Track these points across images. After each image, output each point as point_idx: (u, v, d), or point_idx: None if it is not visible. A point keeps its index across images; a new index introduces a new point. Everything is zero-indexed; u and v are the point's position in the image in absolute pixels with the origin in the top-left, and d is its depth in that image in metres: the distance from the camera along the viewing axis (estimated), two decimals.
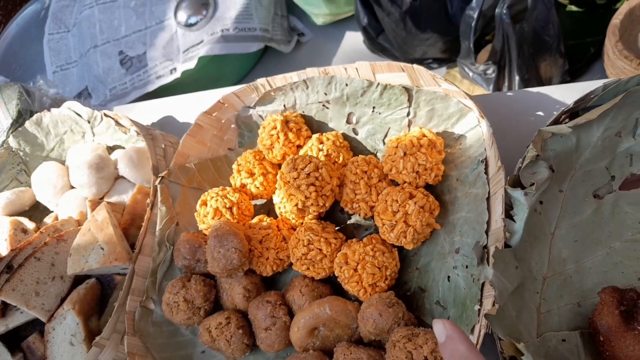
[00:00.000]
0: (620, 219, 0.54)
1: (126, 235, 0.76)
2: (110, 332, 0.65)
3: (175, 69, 1.31)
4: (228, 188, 0.70)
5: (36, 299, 0.71)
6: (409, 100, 0.65)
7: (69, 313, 0.70)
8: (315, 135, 0.69)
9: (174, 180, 0.74)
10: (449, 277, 0.56)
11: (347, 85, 0.68)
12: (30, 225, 0.83)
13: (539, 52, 0.99)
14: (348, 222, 0.69)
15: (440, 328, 0.37)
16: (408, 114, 0.65)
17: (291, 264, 0.65)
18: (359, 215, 0.64)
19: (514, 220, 0.51)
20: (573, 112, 0.56)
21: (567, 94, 0.66)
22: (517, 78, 1.01)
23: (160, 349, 0.67)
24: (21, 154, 0.92)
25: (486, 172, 0.56)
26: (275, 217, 0.70)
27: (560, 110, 0.56)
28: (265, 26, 1.31)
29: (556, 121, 0.55)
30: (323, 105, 0.71)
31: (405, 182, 0.60)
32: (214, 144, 0.78)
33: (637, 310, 0.49)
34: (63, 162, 0.89)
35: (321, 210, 0.63)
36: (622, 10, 0.95)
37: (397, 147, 0.60)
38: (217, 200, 0.68)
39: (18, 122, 0.94)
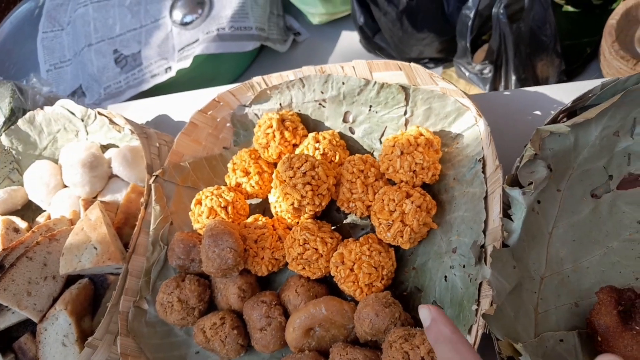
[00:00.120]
0: (617, 218, 0.54)
1: (120, 234, 0.75)
2: (103, 332, 0.65)
3: (170, 67, 1.30)
4: (223, 187, 0.70)
5: (28, 299, 0.70)
6: (406, 99, 0.64)
7: (61, 313, 0.69)
8: (311, 134, 0.68)
9: (169, 179, 0.73)
10: (445, 276, 0.56)
11: (343, 83, 0.67)
12: (22, 224, 0.82)
13: (536, 52, 0.98)
14: (344, 221, 0.68)
15: (425, 313, 0.38)
16: (405, 113, 0.65)
17: (287, 263, 0.65)
18: (356, 214, 0.63)
19: (511, 220, 0.51)
20: (571, 111, 0.56)
21: (565, 93, 0.66)
22: (513, 78, 1.01)
23: (154, 349, 0.66)
24: (14, 152, 0.91)
25: (483, 172, 0.56)
26: (271, 216, 0.69)
27: (557, 109, 0.55)
28: (261, 25, 1.30)
29: (554, 120, 0.55)
30: (319, 104, 0.71)
31: (402, 181, 0.60)
32: (209, 143, 0.77)
33: (635, 310, 0.48)
34: (56, 161, 0.88)
35: (317, 210, 0.63)
36: (618, 11, 0.95)
37: (394, 146, 0.60)
38: (211, 199, 0.67)
39: (11, 120, 0.92)
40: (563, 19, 1.07)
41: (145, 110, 0.95)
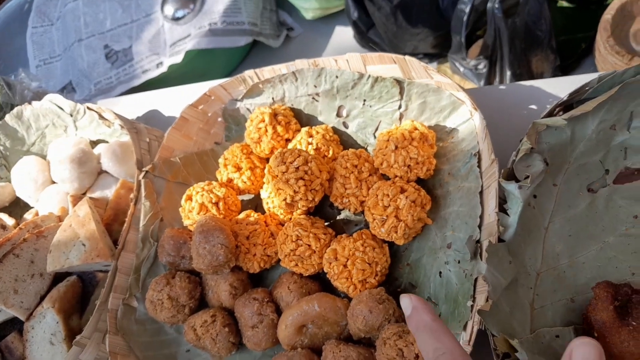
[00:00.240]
0: (614, 213, 0.53)
1: (109, 231, 0.73)
2: (92, 330, 0.63)
3: (161, 63, 1.29)
4: (214, 183, 0.69)
5: (14, 297, 0.69)
6: (401, 92, 0.63)
7: (48, 311, 0.68)
8: (304, 129, 0.67)
9: (159, 174, 0.72)
10: (440, 272, 0.55)
11: (337, 77, 0.66)
12: (9, 221, 0.81)
13: (531, 47, 0.98)
14: (338, 217, 0.67)
15: (406, 302, 0.38)
16: (399, 107, 0.64)
17: (279, 260, 0.64)
18: (349, 210, 0.62)
19: (507, 214, 0.50)
20: (567, 104, 0.55)
21: (560, 87, 0.65)
22: (508, 73, 1.00)
23: (143, 347, 0.65)
24: (1, 148, 0.89)
25: (479, 166, 0.55)
26: (263, 212, 0.68)
27: (553, 103, 0.55)
28: (253, 20, 1.29)
29: (550, 113, 0.54)
30: (313, 98, 0.70)
31: (396, 176, 0.59)
32: (200, 138, 0.76)
33: (631, 306, 0.48)
34: (44, 157, 0.87)
35: (310, 205, 0.62)
36: (613, 6, 0.95)
37: (388, 140, 0.59)
38: (202, 195, 0.66)
39: None
40: (558, 14, 1.06)
41: (136, 105, 0.94)
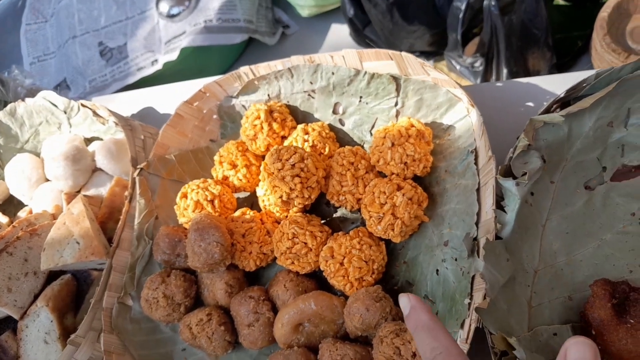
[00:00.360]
0: (611, 210, 0.53)
1: (104, 229, 0.73)
2: (86, 329, 0.63)
3: (156, 60, 1.28)
4: (209, 180, 0.68)
5: (8, 296, 0.68)
6: (397, 89, 0.63)
7: (42, 310, 0.67)
8: (300, 126, 0.67)
9: (154, 172, 0.71)
10: (437, 270, 0.54)
11: (333, 73, 0.66)
12: (3, 219, 0.80)
13: (527, 45, 0.98)
14: (334, 215, 0.67)
15: (404, 301, 0.38)
16: (396, 104, 0.64)
17: (275, 258, 0.63)
18: (346, 208, 0.62)
19: (505, 212, 0.50)
20: (564, 101, 0.55)
21: (557, 84, 0.65)
22: (505, 71, 1.00)
23: (138, 346, 0.65)
24: None
25: (476, 163, 0.55)
26: (259, 210, 0.67)
27: (550, 100, 0.54)
28: (249, 17, 1.29)
29: (547, 110, 0.54)
30: (309, 95, 0.69)
31: (392, 173, 0.59)
32: (195, 135, 0.76)
33: (629, 303, 0.48)
34: (38, 155, 0.86)
35: (306, 203, 0.61)
36: (609, 4, 0.95)
37: (384, 137, 0.58)
38: (197, 192, 0.66)
39: None
40: (554, 12, 1.06)
41: (130, 102, 0.93)
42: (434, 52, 1.18)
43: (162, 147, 0.73)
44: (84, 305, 0.71)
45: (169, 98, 0.90)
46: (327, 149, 0.65)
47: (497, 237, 0.49)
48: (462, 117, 0.59)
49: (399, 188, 0.56)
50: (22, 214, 0.81)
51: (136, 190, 0.69)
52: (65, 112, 0.83)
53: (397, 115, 0.64)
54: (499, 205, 0.50)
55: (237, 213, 0.67)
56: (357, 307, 0.52)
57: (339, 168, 0.61)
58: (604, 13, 0.94)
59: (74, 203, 0.72)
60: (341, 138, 0.69)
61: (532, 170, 0.49)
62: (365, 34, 1.19)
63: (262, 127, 0.67)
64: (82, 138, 0.82)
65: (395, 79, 0.62)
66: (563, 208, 0.53)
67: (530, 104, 0.65)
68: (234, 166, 0.68)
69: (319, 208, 0.68)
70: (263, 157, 0.69)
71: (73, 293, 0.71)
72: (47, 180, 0.82)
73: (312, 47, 1.33)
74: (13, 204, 0.87)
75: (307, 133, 0.65)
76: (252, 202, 0.72)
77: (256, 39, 1.33)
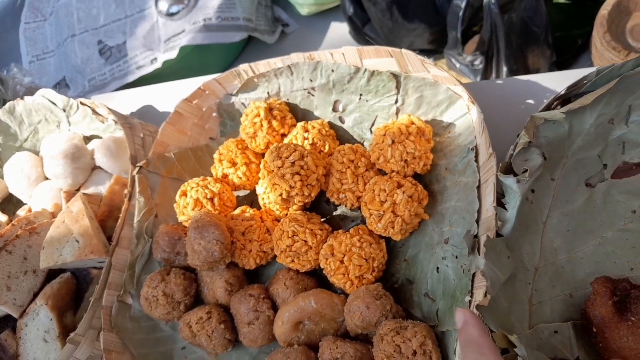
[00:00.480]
0: (612, 208, 0.53)
1: (103, 227, 0.73)
2: (86, 328, 0.63)
3: (156, 59, 1.28)
4: (209, 178, 0.68)
5: (7, 294, 0.68)
6: (397, 87, 0.63)
7: (42, 308, 0.67)
8: (300, 124, 0.66)
9: (153, 170, 0.71)
10: (437, 268, 0.54)
11: (333, 71, 0.65)
12: (2, 217, 0.80)
13: (527, 43, 0.97)
14: (334, 213, 0.67)
15: (459, 315, 0.39)
16: (396, 102, 0.64)
17: (275, 256, 0.63)
18: (346, 206, 0.62)
19: (505, 209, 0.50)
20: (565, 98, 0.55)
21: (558, 81, 0.65)
22: (505, 69, 1.00)
23: (138, 345, 0.65)
24: None
25: (476, 160, 0.54)
26: (259, 208, 0.67)
27: (550, 98, 0.54)
28: (248, 16, 1.28)
29: (548, 107, 0.53)
30: (308, 93, 0.69)
31: (393, 171, 0.59)
32: (194, 133, 0.75)
33: (630, 301, 0.47)
34: (37, 153, 0.86)
35: (306, 201, 0.61)
36: (609, 1, 0.94)
37: (384, 135, 0.58)
38: (197, 190, 0.66)
39: None
40: (554, 10, 1.06)
41: (130, 100, 0.93)
42: (433, 50, 1.18)
43: (162, 145, 0.73)
44: (84, 303, 0.71)
45: (168, 96, 0.90)
46: (327, 147, 0.65)
47: (498, 235, 0.49)
48: (463, 115, 0.59)
49: (399, 186, 0.56)
50: (21, 212, 0.81)
51: (135, 188, 0.69)
52: (64, 110, 0.83)
53: (397, 113, 0.64)
54: (500, 202, 0.50)
55: (237, 211, 0.66)
56: (358, 305, 0.52)
57: (339, 166, 0.60)
58: (604, 11, 0.94)
59: (73, 201, 0.72)
60: (341, 136, 0.68)
61: (532, 168, 0.49)
62: (364, 32, 1.19)
63: (261, 125, 0.67)
64: (81, 136, 0.82)
65: (396, 76, 0.62)
66: (564, 205, 0.53)
67: (531, 101, 0.65)
68: (233, 164, 0.68)
69: (319, 206, 0.68)
70: (263, 155, 0.69)
71: (72, 291, 0.71)
72: (47, 178, 0.82)
73: (312, 46, 1.33)
74: (12, 203, 0.87)
75: (307, 131, 0.65)
76: (251, 200, 0.72)
77: (255, 37, 1.33)
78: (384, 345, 0.49)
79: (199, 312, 0.62)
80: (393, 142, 0.58)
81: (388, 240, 0.60)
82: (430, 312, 0.53)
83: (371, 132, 0.66)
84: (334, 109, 0.69)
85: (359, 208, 0.62)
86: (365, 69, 0.63)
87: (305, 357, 0.55)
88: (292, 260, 0.60)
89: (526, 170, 0.48)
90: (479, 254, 0.48)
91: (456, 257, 0.52)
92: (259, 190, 0.66)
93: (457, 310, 0.40)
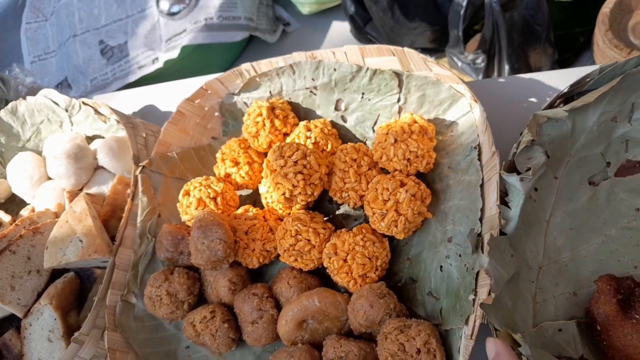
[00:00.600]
0: (615, 206, 0.53)
1: (106, 227, 0.73)
2: (90, 327, 0.63)
3: (157, 58, 1.28)
4: (212, 177, 0.68)
5: (11, 294, 0.68)
6: (400, 85, 0.63)
7: (46, 308, 0.67)
8: (302, 123, 0.66)
9: (156, 169, 0.71)
10: (441, 266, 0.54)
11: (335, 70, 0.65)
12: (5, 218, 0.80)
13: (529, 41, 0.97)
14: (337, 212, 0.67)
15: (491, 346, 0.40)
16: (398, 100, 0.63)
17: (278, 255, 0.63)
18: (349, 205, 0.62)
19: (509, 207, 0.50)
20: (568, 96, 0.55)
21: (560, 80, 0.65)
22: (506, 67, 1.00)
23: (142, 344, 0.65)
24: None
25: (479, 159, 0.54)
26: (262, 207, 0.67)
27: (553, 96, 0.54)
28: (250, 15, 1.28)
29: (551, 105, 0.53)
30: (310, 92, 0.69)
31: (395, 170, 0.59)
32: (197, 133, 0.75)
33: (634, 299, 0.47)
34: (40, 153, 0.86)
35: (309, 200, 0.61)
36: None
37: (387, 133, 0.58)
38: (200, 190, 0.66)
39: None
40: (556, 8, 1.06)
41: (132, 100, 0.93)
42: (435, 49, 1.18)
43: (164, 145, 0.73)
44: (88, 303, 0.71)
45: (170, 96, 0.90)
46: (329, 146, 0.65)
47: (502, 233, 0.49)
48: (465, 113, 0.59)
49: (402, 184, 0.56)
50: (24, 212, 0.81)
51: (138, 188, 0.69)
52: (66, 110, 0.83)
53: (399, 112, 0.64)
54: (503, 201, 0.50)
55: (240, 210, 0.66)
56: (361, 304, 0.52)
57: (342, 165, 0.60)
58: (606, 9, 0.94)
59: (77, 201, 0.72)
60: (343, 135, 0.68)
61: (536, 166, 0.49)
62: (366, 31, 1.19)
63: (264, 124, 0.67)
64: (83, 136, 0.82)
65: (398, 75, 0.62)
66: (567, 204, 0.53)
67: (533, 99, 0.65)
68: (236, 163, 0.68)
69: (321, 205, 0.68)
70: (265, 155, 0.69)
71: (76, 291, 0.71)
72: (49, 178, 0.82)
73: (313, 45, 1.33)
74: (15, 203, 0.87)
75: (309, 130, 0.65)
76: (254, 199, 0.72)
77: (257, 36, 1.33)
78: (388, 344, 0.49)
79: (203, 311, 0.62)
80: (396, 140, 0.58)
81: (391, 239, 0.60)
82: (434, 311, 0.53)
83: (374, 131, 0.66)
84: (337, 108, 0.69)
85: (361, 207, 0.62)
86: (368, 68, 0.63)
87: (309, 356, 0.55)
88: (296, 259, 0.60)
89: (529, 169, 0.48)
90: (483, 253, 0.48)
91: (460, 255, 0.52)
92: (262, 189, 0.66)
93: (487, 340, 0.40)
